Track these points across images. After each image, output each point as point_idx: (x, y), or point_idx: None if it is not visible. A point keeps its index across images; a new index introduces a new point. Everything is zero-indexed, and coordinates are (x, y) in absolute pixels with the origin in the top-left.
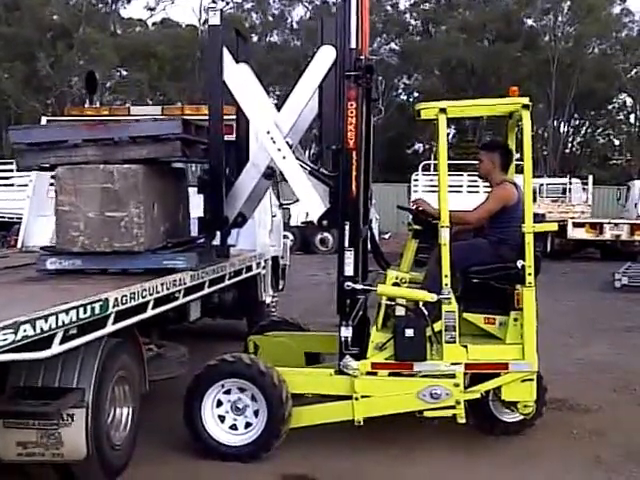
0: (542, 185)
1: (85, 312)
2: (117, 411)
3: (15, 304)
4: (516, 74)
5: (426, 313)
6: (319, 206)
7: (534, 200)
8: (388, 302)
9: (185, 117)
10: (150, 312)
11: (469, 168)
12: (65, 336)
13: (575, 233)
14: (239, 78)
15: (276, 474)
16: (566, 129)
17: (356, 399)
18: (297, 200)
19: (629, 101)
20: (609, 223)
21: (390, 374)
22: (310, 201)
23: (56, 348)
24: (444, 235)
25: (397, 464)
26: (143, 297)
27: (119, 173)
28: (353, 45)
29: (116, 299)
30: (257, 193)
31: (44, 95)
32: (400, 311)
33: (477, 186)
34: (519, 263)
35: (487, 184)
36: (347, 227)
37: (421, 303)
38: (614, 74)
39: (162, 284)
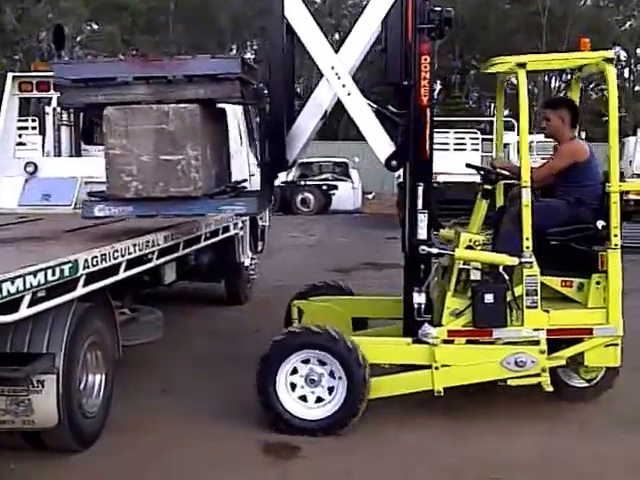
0: (532, 142)
1: (54, 274)
2: (89, 377)
3: None
4: (505, 27)
5: (506, 277)
6: (387, 146)
7: None
8: (463, 266)
9: None
10: (122, 274)
11: (457, 125)
12: (33, 299)
13: None
14: (300, 12)
15: (257, 442)
16: (557, 84)
17: (436, 368)
18: None
19: (623, 55)
20: None
21: (467, 342)
22: (378, 141)
23: (24, 311)
24: (525, 195)
25: (385, 430)
26: (115, 259)
27: (175, 113)
28: None
29: (86, 260)
30: (312, 135)
31: (11, 50)
32: (476, 275)
33: (464, 144)
34: (599, 224)
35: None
36: (420, 188)
37: (501, 267)
38: (607, 27)
39: (134, 245)
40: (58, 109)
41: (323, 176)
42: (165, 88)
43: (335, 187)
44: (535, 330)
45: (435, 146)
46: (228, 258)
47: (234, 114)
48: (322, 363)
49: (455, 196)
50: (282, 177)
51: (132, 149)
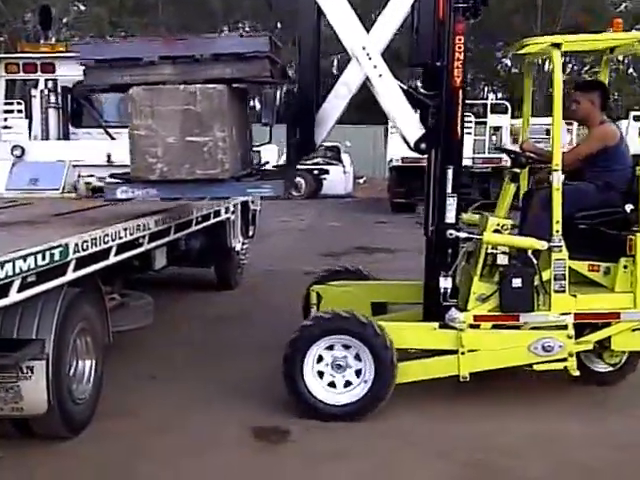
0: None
1: (44, 258)
2: (79, 363)
3: None
4: (502, 8)
5: (535, 262)
6: (417, 129)
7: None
8: (492, 251)
9: None
10: (113, 259)
11: None
12: (23, 284)
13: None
14: None
15: (247, 426)
16: (551, 67)
17: (462, 353)
18: (268, 142)
19: None
20: None
21: (493, 326)
22: (407, 123)
23: (14, 296)
24: (557, 179)
25: (378, 413)
26: (105, 243)
27: (202, 93)
28: None
29: (76, 245)
30: (338, 117)
31: None
32: (503, 260)
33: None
34: (627, 207)
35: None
36: (450, 171)
37: (530, 251)
38: (602, 8)
39: (125, 229)
40: (46, 91)
41: (314, 160)
42: (192, 68)
43: (326, 171)
44: (562, 315)
45: None
46: (219, 243)
47: None
48: (347, 347)
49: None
50: (272, 161)
51: (158, 130)
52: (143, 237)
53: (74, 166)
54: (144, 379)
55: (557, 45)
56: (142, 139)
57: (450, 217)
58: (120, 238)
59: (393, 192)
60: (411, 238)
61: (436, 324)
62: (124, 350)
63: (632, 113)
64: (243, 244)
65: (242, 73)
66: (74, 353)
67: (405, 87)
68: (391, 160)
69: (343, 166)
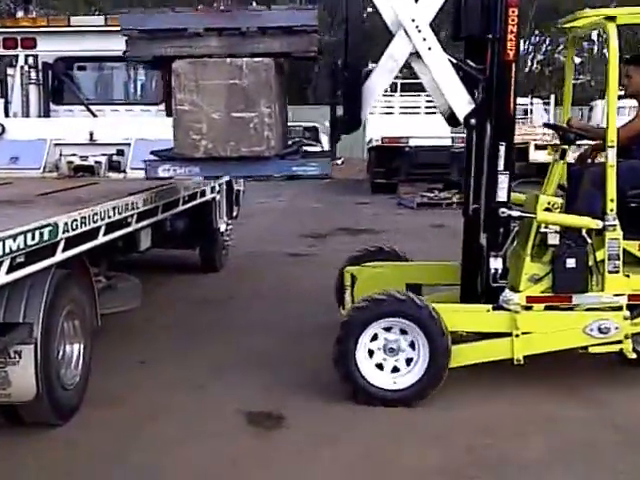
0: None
1: (33, 238)
2: (67, 348)
3: None
4: None
5: (590, 241)
6: (467, 103)
7: None
8: (544, 230)
9: None
10: (102, 239)
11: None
12: (12, 265)
13: (537, 156)
14: None
15: (240, 411)
16: (526, 47)
17: (516, 336)
18: None
19: None
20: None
21: (546, 308)
22: (457, 98)
23: (3, 278)
24: (611, 155)
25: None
26: (94, 222)
27: (249, 67)
28: None
29: (66, 224)
30: (381, 92)
31: None
32: (554, 239)
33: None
34: None
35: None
36: (503, 147)
37: (584, 230)
38: None
39: (114, 208)
40: (26, 67)
41: (293, 140)
42: (238, 41)
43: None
44: (616, 296)
45: (406, 110)
46: (204, 224)
47: None
48: (402, 332)
49: (427, 160)
50: None
51: (202, 105)
52: (131, 216)
53: (55, 145)
54: (132, 363)
55: (611, 18)
56: (186, 115)
57: (502, 195)
58: (109, 217)
59: (373, 173)
60: (394, 219)
61: (489, 306)
62: (110, 334)
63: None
64: (227, 225)
65: (290, 48)
66: (62, 337)
67: (455, 60)
68: (370, 140)
69: (322, 147)
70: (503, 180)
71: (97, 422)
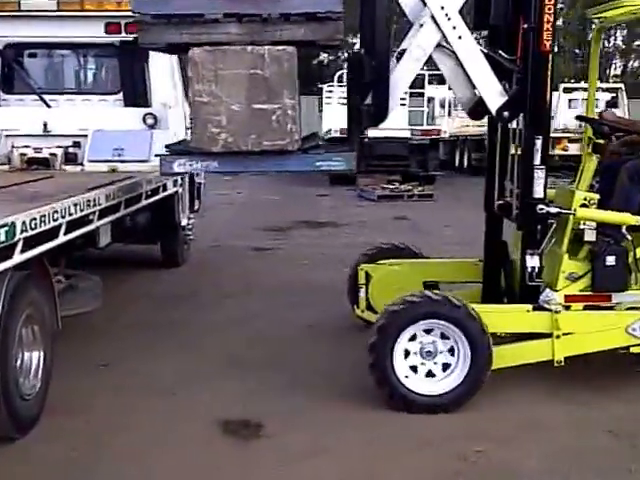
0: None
1: None
2: (26, 355)
3: None
4: None
5: (630, 238)
6: (499, 96)
7: (449, 114)
8: (583, 226)
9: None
10: (62, 238)
11: None
12: None
13: None
14: None
15: (215, 421)
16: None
17: (557, 337)
18: None
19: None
20: None
21: (585, 307)
22: (489, 90)
23: None
24: None
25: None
26: (55, 220)
27: (271, 56)
28: None
29: (24, 223)
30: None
31: None
32: (591, 236)
33: None
34: None
35: None
36: (539, 141)
37: (624, 227)
38: None
39: (75, 205)
40: None
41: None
42: (259, 27)
43: None
44: None
45: (338, 101)
46: (167, 218)
47: (170, 60)
48: (442, 335)
49: (386, 151)
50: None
51: (221, 96)
52: (93, 213)
53: (7, 136)
54: (94, 367)
55: None
56: (204, 106)
57: (539, 191)
58: (70, 215)
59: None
60: (355, 211)
61: (529, 306)
62: (70, 335)
63: (562, 85)
64: (189, 219)
65: (315, 35)
66: (21, 343)
67: (486, 51)
68: (329, 131)
69: None
70: (540, 175)
71: (58, 433)
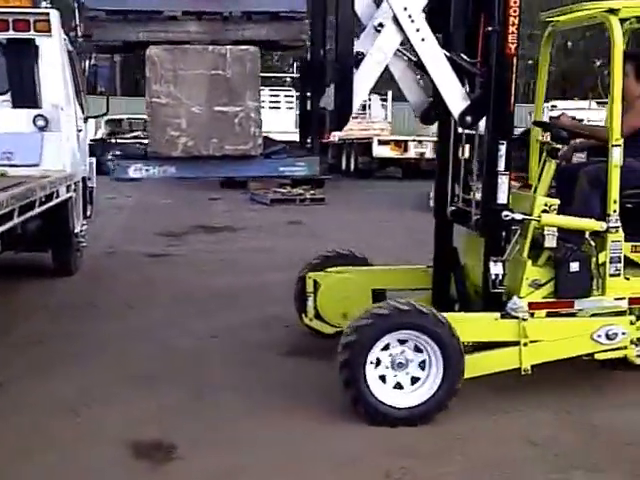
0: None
1: None
2: None
3: None
4: None
5: (593, 244)
6: (462, 100)
7: None
8: (547, 232)
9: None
10: None
11: (266, 82)
12: None
13: (380, 151)
14: None
15: (123, 442)
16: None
17: (524, 345)
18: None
19: None
20: (413, 141)
21: (548, 314)
22: (452, 94)
23: None
24: (616, 155)
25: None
26: None
27: (233, 56)
28: None
29: None
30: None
31: None
32: (551, 242)
33: (279, 102)
34: None
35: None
36: (503, 147)
37: (587, 233)
38: None
39: None
40: None
41: (134, 134)
42: (220, 26)
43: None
44: (617, 299)
45: (270, 104)
46: (59, 225)
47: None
48: (416, 347)
49: None
50: (90, 134)
51: (181, 98)
52: None
53: None
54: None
55: (614, 11)
56: (162, 108)
57: (502, 197)
58: None
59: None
60: (249, 215)
61: (497, 314)
62: None
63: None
64: (82, 225)
65: (278, 35)
66: None
67: (449, 54)
68: None
69: None
70: (503, 181)
71: None
